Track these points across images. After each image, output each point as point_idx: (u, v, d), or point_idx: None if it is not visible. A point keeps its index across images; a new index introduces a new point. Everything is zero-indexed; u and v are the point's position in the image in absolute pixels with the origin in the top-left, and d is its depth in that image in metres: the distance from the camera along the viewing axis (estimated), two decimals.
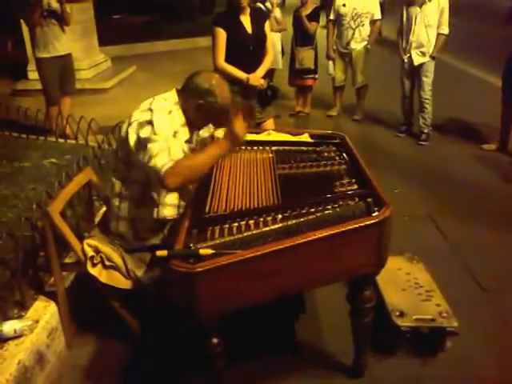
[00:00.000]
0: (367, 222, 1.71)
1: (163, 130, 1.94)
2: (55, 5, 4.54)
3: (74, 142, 4.18)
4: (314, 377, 2.14)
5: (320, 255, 1.70)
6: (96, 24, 7.93)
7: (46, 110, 4.70)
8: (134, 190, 2.07)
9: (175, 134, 2.01)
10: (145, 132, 1.93)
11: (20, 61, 7.20)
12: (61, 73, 4.77)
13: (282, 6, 6.15)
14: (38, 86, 5.03)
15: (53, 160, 3.76)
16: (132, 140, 1.98)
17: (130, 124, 2.01)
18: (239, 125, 1.98)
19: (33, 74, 6.65)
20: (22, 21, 5.82)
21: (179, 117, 2.06)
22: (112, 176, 2.19)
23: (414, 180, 4.11)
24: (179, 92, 2.09)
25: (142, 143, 1.93)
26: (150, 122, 1.93)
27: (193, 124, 2.12)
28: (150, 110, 1.98)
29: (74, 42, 5.32)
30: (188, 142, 2.13)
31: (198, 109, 2.04)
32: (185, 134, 2.09)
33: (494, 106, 4.81)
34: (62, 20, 4.63)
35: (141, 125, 1.96)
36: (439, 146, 4.95)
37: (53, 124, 4.40)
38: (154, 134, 1.91)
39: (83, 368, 2.23)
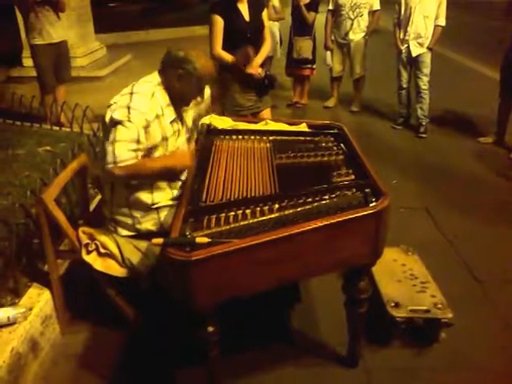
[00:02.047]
0: (364, 213, 1.70)
1: (138, 119, 1.93)
2: None
3: (68, 129, 4.14)
4: (308, 366, 2.14)
5: (316, 245, 1.69)
6: (92, 11, 7.83)
7: (40, 98, 4.64)
8: None
9: (157, 116, 2.01)
10: (119, 114, 1.93)
11: (14, 47, 7.11)
12: (56, 60, 4.71)
13: None
14: (33, 73, 4.96)
15: (47, 147, 3.72)
16: (107, 119, 1.98)
17: (109, 106, 2.02)
18: (183, 155, 2.10)
19: (27, 61, 6.57)
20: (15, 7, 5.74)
21: (163, 97, 2.06)
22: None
23: (410, 172, 4.11)
24: (160, 72, 2.10)
25: (113, 123, 1.94)
26: (128, 107, 1.94)
27: (179, 100, 2.11)
28: (131, 93, 1.99)
29: (69, 28, 5.25)
30: (175, 121, 2.13)
31: (180, 80, 2.04)
32: (170, 114, 2.09)
33: (491, 99, 4.80)
34: (56, 6, 4.57)
35: (119, 107, 1.96)
36: (436, 138, 4.94)
37: (47, 112, 4.35)
38: (129, 120, 1.91)
39: (77, 356, 2.22)
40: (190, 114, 2.31)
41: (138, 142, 1.94)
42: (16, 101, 4.47)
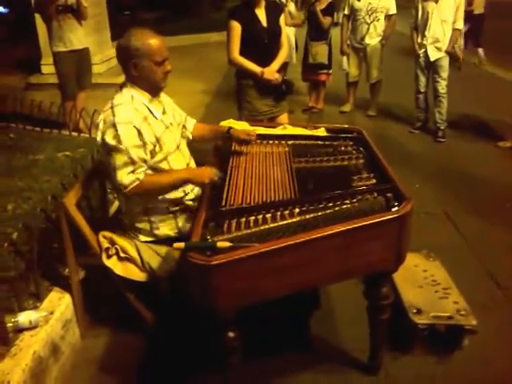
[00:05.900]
0: (387, 217, 1.68)
1: (127, 135, 1.93)
2: None
3: (87, 135, 4.17)
4: (328, 372, 2.12)
5: (338, 250, 1.68)
6: (108, 19, 7.93)
7: (60, 104, 4.69)
8: None
9: (145, 118, 2.00)
10: (109, 137, 1.93)
11: (33, 55, 7.24)
12: (77, 67, 4.76)
13: (297, 0, 6.10)
14: (52, 79, 5.01)
15: (67, 153, 3.75)
16: (98, 140, 2.00)
17: (98, 128, 2.01)
18: (204, 171, 2.06)
19: (46, 68, 6.67)
20: (36, 15, 5.84)
21: (142, 95, 2.04)
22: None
23: (429, 177, 4.06)
24: (125, 75, 2.06)
25: (107, 148, 1.95)
26: (114, 125, 1.93)
27: (153, 86, 2.06)
28: (112, 107, 1.98)
29: (87, 36, 5.33)
30: (164, 113, 2.13)
31: (136, 68, 1.97)
32: (157, 107, 2.09)
33: (509, 103, 4.73)
34: (78, 14, 4.63)
35: (104, 125, 1.96)
36: (454, 142, 4.90)
37: (67, 118, 4.40)
38: (119, 142, 1.92)
39: (97, 360, 2.23)
40: (171, 108, 2.27)
41: (133, 162, 1.94)
42: (35, 107, 4.53)
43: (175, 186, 2.08)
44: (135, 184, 1.95)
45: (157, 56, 1.97)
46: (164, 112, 2.14)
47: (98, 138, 2.00)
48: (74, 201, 2.17)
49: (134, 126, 1.95)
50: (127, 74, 2.04)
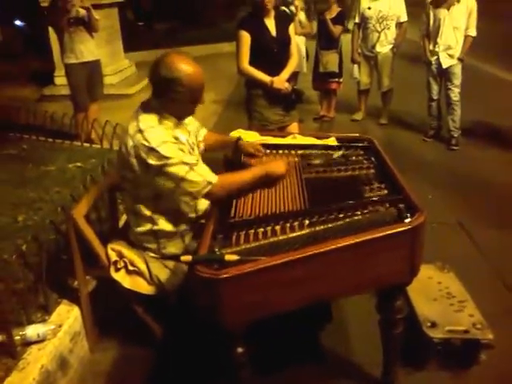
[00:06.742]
0: (400, 229, 1.63)
1: (171, 150, 1.88)
2: (83, 12, 4.59)
3: (99, 146, 4.20)
4: None
5: (349, 263, 1.64)
6: (121, 30, 8.02)
7: (73, 115, 4.74)
8: (147, 205, 2.02)
9: (177, 139, 1.96)
10: (153, 159, 1.86)
11: (47, 67, 7.35)
12: (89, 79, 4.81)
13: (307, 10, 6.09)
14: (64, 91, 5.06)
15: (78, 164, 3.78)
16: (137, 167, 1.92)
17: (128, 153, 1.92)
18: (279, 162, 2.09)
19: (59, 80, 6.76)
20: (49, 28, 5.93)
21: (170, 121, 1.99)
22: (121, 194, 2.15)
23: (442, 186, 3.99)
24: (155, 97, 1.99)
25: (157, 170, 1.88)
26: (153, 150, 1.86)
27: (183, 116, 2.05)
28: (140, 131, 1.90)
29: (99, 47, 5.39)
30: (189, 136, 2.10)
31: (174, 100, 1.93)
32: (183, 133, 2.06)
33: None
34: (89, 27, 4.69)
35: (140, 151, 1.88)
36: (467, 150, 4.82)
37: (79, 129, 4.44)
38: (167, 158, 1.86)
39: (105, 373, 2.21)
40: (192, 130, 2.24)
41: (191, 166, 1.90)
42: (48, 118, 4.57)
43: (254, 183, 2.01)
44: (208, 188, 1.91)
45: (199, 93, 1.97)
46: (189, 134, 2.13)
47: (134, 164, 1.91)
48: (84, 212, 2.16)
49: (172, 143, 1.92)
50: (160, 101, 1.97)
